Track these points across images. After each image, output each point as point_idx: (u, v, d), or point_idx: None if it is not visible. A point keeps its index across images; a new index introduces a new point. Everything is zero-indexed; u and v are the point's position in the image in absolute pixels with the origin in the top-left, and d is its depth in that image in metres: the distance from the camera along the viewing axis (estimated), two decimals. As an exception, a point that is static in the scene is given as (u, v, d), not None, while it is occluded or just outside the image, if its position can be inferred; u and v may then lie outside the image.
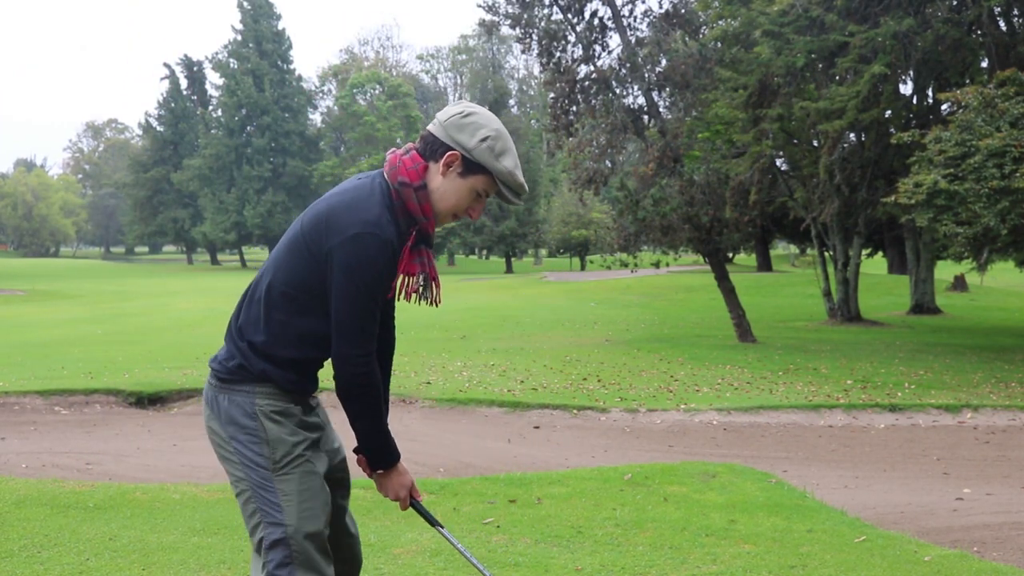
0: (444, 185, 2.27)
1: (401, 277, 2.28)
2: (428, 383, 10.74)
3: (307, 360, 2.33)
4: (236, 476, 2.31)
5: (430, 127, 2.31)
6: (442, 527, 2.50)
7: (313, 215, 2.27)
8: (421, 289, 2.32)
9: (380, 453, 2.39)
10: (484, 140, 2.24)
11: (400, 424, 8.76)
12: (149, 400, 9.74)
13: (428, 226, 2.30)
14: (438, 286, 2.37)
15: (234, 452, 2.30)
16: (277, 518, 2.25)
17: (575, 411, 9.38)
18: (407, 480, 2.45)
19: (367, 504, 4.93)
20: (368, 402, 2.29)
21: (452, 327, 18.39)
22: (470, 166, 2.26)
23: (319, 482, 2.32)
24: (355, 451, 2.46)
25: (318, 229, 2.22)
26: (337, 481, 2.49)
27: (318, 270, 2.22)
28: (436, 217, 2.30)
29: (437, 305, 2.37)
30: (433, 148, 2.28)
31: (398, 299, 2.36)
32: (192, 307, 25.46)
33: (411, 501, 2.47)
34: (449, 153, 2.25)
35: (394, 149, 2.36)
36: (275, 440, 2.27)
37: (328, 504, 2.34)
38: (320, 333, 2.28)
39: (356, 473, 2.60)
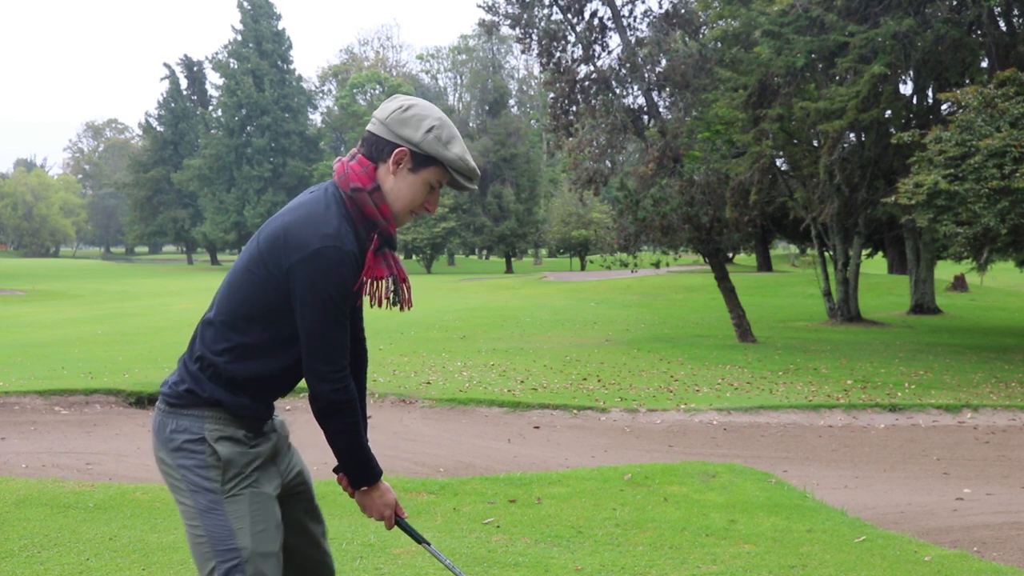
0: (397, 183, 2.23)
1: (368, 282, 2.22)
2: (428, 383, 10.74)
3: (264, 385, 2.27)
4: (185, 505, 2.23)
5: (371, 127, 2.25)
6: (428, 544, 2.47)
7: (269, 233, 2.20)
8: (392, 295, 2.27)
9: (360, 471, 2.33)
10: (430, 131, 2.20)
11: (400, 424, 8.77)
12: (149, 400, 9.71)
13: (389, 227, 2.26)
14: (408, 287, 2.33)
15: (181, 479, 2.21)
16: (230, 544, 2.17)
17: (575, 411, 9.37)
18: (390, 498, 2.40)
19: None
20: (346, 419, 2.23)
21: (452, 327, 18.39)
22: (420, 159, 2.22)
23: (269, 503, 2.26)
24: (335, 470, 2.41)
25: (276, 247, 2.16)
26: (297, 495, 2.44)
27: (278, 289, 2.17)
28: (395, 217, 2.27)
29: (409, 308, 2.33)
30: (379, 148, 2.23)
31: (370, 306, 2.30)
32: (192, 307, 25.42)
33: (396, 519, 2.43)
34: (397, 150, 2.21)
35: (339, 157, 2.30)
36: (226, 460, 2.20)
37: (280, 526, 2.28)
38: (281, 356, 2.24)
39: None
